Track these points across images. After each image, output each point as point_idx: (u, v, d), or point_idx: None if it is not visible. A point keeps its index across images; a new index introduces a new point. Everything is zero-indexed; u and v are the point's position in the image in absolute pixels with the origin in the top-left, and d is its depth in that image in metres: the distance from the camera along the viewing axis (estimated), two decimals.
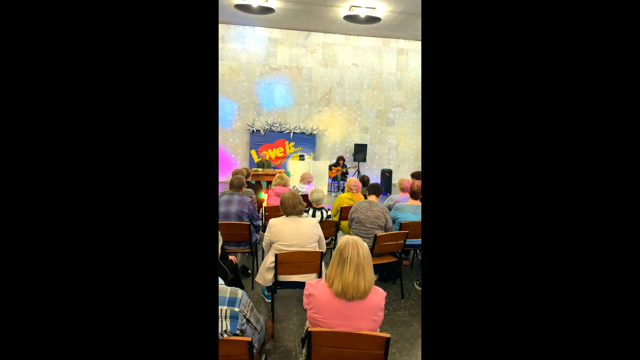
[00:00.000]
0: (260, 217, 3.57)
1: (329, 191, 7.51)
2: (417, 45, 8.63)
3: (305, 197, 2.83)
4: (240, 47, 7.98)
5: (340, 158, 7.79)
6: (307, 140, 8.37)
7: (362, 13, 6.69)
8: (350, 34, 8.32)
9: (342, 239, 1.34)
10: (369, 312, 1.27)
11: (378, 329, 1.31)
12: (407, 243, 2.90)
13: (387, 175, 7.47)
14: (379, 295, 1.31)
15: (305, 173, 4.19)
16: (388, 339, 1.22)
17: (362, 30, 7.91)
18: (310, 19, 7.31)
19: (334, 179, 7.60)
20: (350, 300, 1.24)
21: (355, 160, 8.40)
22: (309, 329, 1.25)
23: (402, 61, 8.70)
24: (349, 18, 6.94)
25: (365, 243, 1.34)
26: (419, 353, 2.06)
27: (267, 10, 6.70)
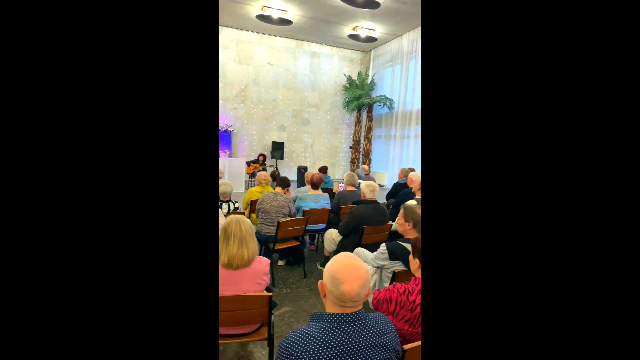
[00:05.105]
0: None
1: (246, 188, 7.55)
2: (328, 50, 9.26)
3: None
4: None
5: (261, 155, 7.95)
6: (222, 137, 8.22)
7: (274, 14, 6.91)
8: (264, 33, 8.46)
9: (227, 219, 1.54)
10: (253, 276, 1.50)
11: (264, 291, 1.55)
12: (310, 228, 3.25)
13: (302, 171, 7.85)
14: (262, 262, 1.55)
15: None
16: (270, 297, 1.48)
17: (276, 30, 8.13)
18: (222, 13, 7.20)
19: (252, 175, 7.68)
20: (236, 269, 1.45)
21: (273, 157, 8.60)
22: None
23: (315, 64, 9.22)
24: (262, 17, 7.09)
25: (248, 220, 1.56)
26: None
27: None
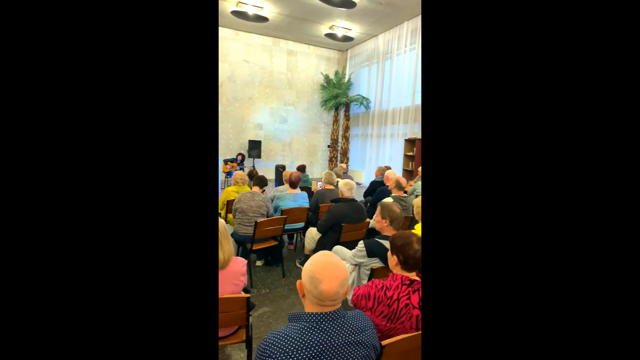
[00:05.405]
0: None
1: (222, 188, 7.39)
2: (305, 48, 9.23)
3: None
4: None
5: (240, 154, 7.85)
6: None
7: (250, 11, 6.80)
8: (240, 30, 8.30)
9: None
10: (230, 278, 1.47)
11: (242, 292, 1.52)
12: (289, 227, 3.22)
13: (280, 170, 7.78)
14: (239, 263, 1.52)
15: None
16: (248, 298, 1.45)
17: (251, 27, 8.00)
18: None
19: (228, 174, 7.53)
20: None
21: (250, 156, 8.47)
22: None
23: (292, 62, 9.16)
24: (237, 14, 6.95)
25: (222, 220, 1.53)
26: None
27: None
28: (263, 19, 7.14)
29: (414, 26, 7.10)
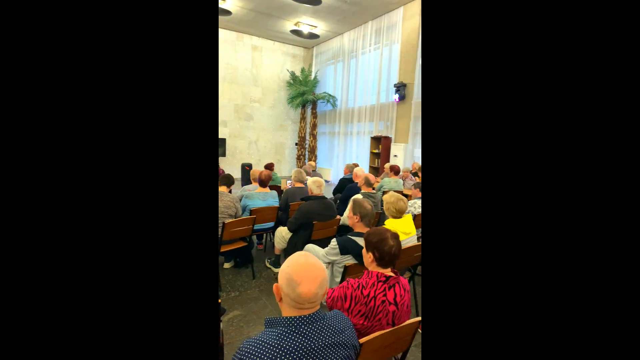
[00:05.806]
0: None
1: None
2: (270, 44, 9.06)
3: None
4: None
5: None
6: None
7: None
8: None
9: None
10: None
11: None
12: (258, 227, 3.14)
13: (247, 169, 7.61)
14: None
15: None
16: (218, 303, 1.38)
17: None
18: None
19: None
20: None
21: None
22: None
23: (257, 58, 8.95)
24: None
25: None
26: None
27: None
28: (226, 12, 6.88)
29: (378, 26, 7.25)
